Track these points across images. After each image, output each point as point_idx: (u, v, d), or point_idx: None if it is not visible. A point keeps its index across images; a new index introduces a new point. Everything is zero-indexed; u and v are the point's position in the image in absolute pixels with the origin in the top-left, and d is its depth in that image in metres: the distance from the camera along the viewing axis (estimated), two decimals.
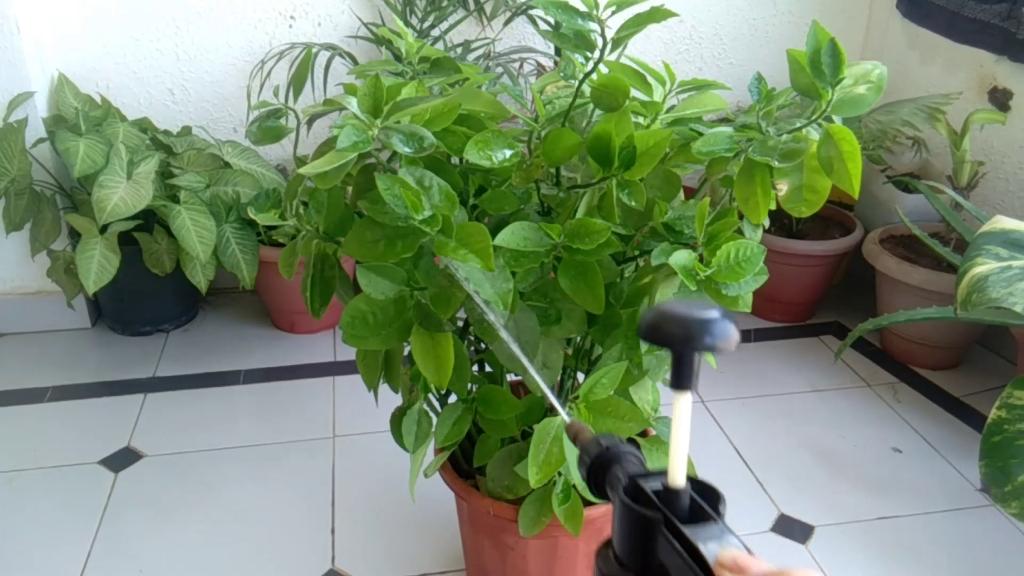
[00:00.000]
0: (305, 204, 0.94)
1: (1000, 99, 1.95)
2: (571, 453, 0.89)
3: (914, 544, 1.44)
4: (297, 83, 0.91)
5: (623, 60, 0.93)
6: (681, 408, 0.36)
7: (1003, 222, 1.29)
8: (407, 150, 0.78)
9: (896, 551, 1.42)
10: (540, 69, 2.09)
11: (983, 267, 1.21)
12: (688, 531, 0.34)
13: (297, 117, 0.93)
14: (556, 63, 2.05)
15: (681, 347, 0.35)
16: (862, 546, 1.43)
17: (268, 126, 0.88)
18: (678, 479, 0.36)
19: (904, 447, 1.71)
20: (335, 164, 0.76)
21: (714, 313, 0.34)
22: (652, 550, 0.35)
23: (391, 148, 0.80)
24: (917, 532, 1.47)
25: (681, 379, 0.35)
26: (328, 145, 0.80)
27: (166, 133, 2.03)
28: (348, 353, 1.98)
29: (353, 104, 0.77)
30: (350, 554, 1.40)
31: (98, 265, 1.80)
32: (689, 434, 0.37)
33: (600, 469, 0.40)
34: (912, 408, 1.84)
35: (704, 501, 0.36)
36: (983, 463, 1.24)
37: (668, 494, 0.36)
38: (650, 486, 0.37)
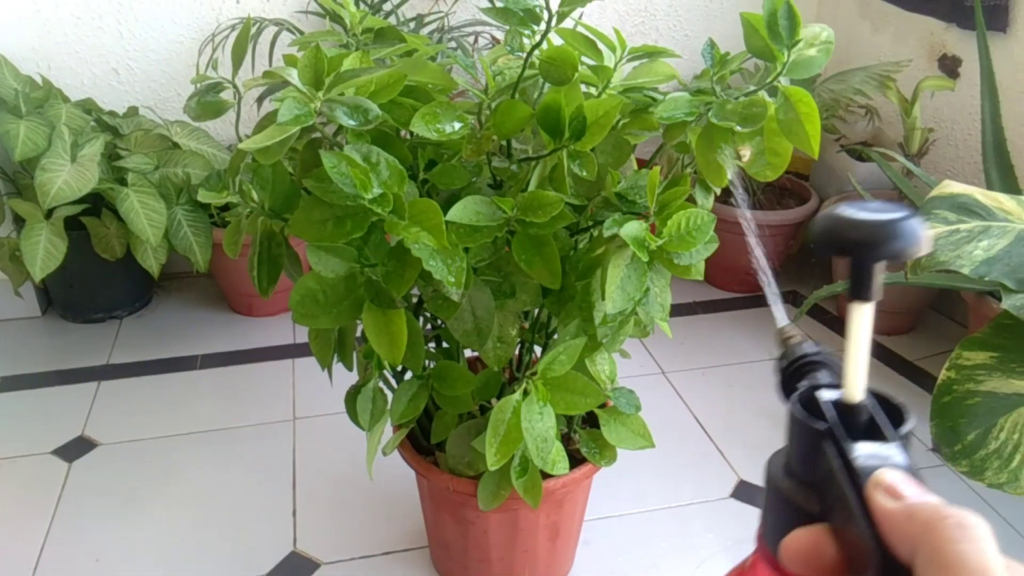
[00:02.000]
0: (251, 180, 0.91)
1: (949, 66, 1.98)
2: (529, 432, 0.89)
3: None
4: (236, 55, 0.88)
5: (577, 28, 0.92)
6: (861, 319, 0.33)
7: (951, 187, 1.31)
8: (351, 123, 0.76)
9: None
10: (495, 42, 2.06)
11: (931, 231, 1.23)
12: (850, 447, 0.31)
13: (238, 91, 0.91)
14: (505, 38, 2.03)
15: (863, 255, 0.31)
16: None
17: (207, 101, 0.85)
18: (855, 393, 0.33)
19: None
20: (277, 139, 0.74)
21: (899, 213, 0.30)
22: (817, 461, 0.33)
23: (335, 121, 0.78)
24: None
25: (860, 290, 0.32)
26: (269, 119, 0.78)
27: (111, 114, 1.97)
28: (307, 335, 1.96)
29: (294, 76, 0.75)
30: (312, 536, 1.39)
31: (44, 251, 1.75)
32: (868, 348, 0.33)
33: (792, 376, 0.38)
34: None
35: (888, 418, 0.33)
36: (934, 423, 1.26)
37: (845, 408, 0.33)
38: (827, 397, 0.34)
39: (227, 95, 0.98)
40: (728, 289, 2.24)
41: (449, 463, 1.08)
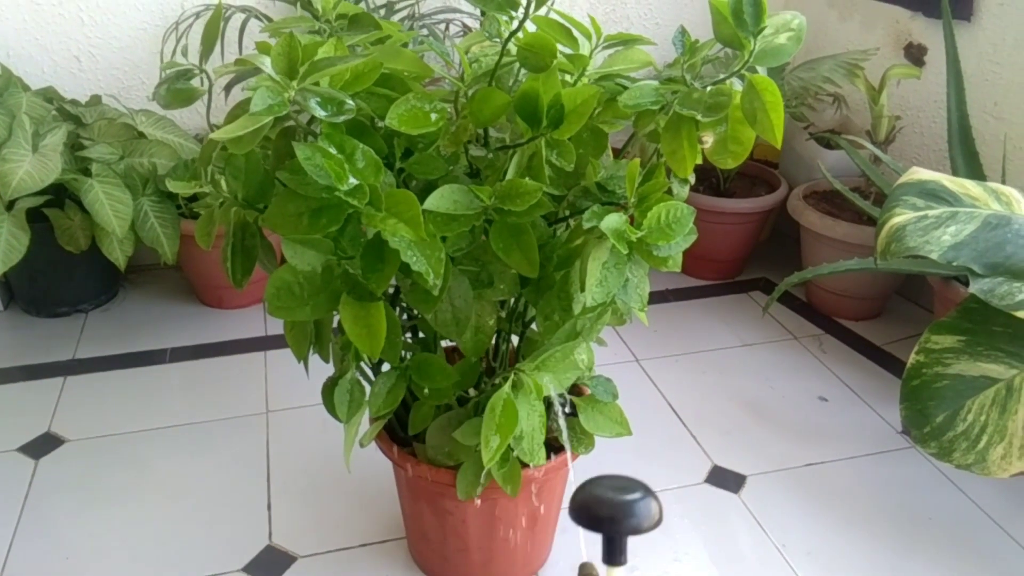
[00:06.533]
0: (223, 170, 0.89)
1: (915, 54, 2.01)
2: (524, 415, 0.89)
3: (841, 487, 1.50)
4: (207, 41, 0.86)
5: (550, 14, 0.92)
6: None
7: (919, 173, 1.33)
8: (324, 114, 0.75)
9: (824, 495, 1.48)
10: (466, 30, 2.05)
11: (900, 217, 1.25)
12: None
13: (208, 79, 0.89)
14: (482, 24, 2.02)
15: (611, 531, 0.38)
16: (792, 492, 1.48)
17: (177, 88, 0.83)
18: None
19: (830, 395, 1.77)
20: (249, 128, 0.72)
21: (638, 493, 0.37)
22: None
23: (309, 111, 0.77)
24: (843, 476, 1.53)
25: (613, 557, 0.39)
26: (242, 107, 0.77)
27: (74, 103, 1.93)
28: (279, 327, 1.93)
29: (267, 64, 0.74)
30: (287, 529, 1.37)
31: (6, 244, 1.71)
32: None
33: None
34: (837, 358, 1.90)
35: None
36: (903, 406, 1.28)
37: None
38: None
39: (197, 83, 0.96)
40: (700, 277, 2.26)
41: (428, 454, 1.08)
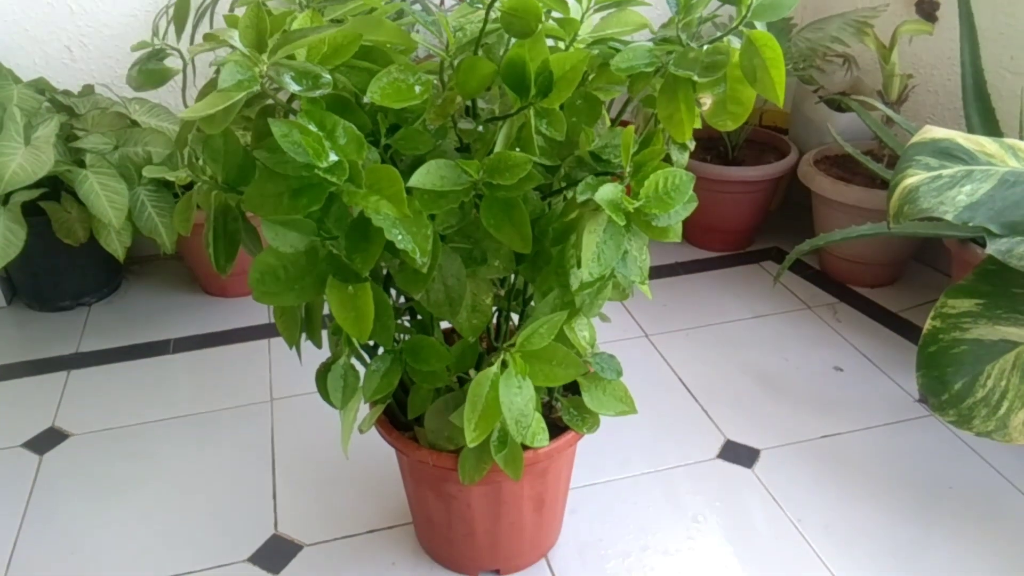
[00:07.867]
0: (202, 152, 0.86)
1: (927, 10, 1.94)
2: (508, 408, 0.86)
3: (858, 459, 1.46)
4: (178, 19, 0.83)
5: None
6: None
7: (932, 132, 1.28)
8: (298, 88, 0.71)
9: (840, 467, 1.44)
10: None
11: (914, 178, 1.20)
12: None
13: (183, 58, 0.85)
14: None
15: None
16: (807, 465, 1.45)
17: (150, 69, 0.80)
18: None
19: (845, 365, 1.72)
20: (220, 106, 0.69)
21: None
22: None
23: (283, 86, 0.73)
24: (860, 447, 1.49)
25: None
26: (212, 85, 0.73)
27: (66, 93, 1.90)
28: None
29: (235, 38, 0.70)
30: (293, 517, 1.36)
31: (3, 239, 1.69)
32: None
33: None
34: (852, 326, 1.86)
35: None
36: (920, 373, 1.24)
37: None
38: None
39: (177, 64, 0.92)
40: (708, 248, 2.21)
41: (429, 438, 1.05)
